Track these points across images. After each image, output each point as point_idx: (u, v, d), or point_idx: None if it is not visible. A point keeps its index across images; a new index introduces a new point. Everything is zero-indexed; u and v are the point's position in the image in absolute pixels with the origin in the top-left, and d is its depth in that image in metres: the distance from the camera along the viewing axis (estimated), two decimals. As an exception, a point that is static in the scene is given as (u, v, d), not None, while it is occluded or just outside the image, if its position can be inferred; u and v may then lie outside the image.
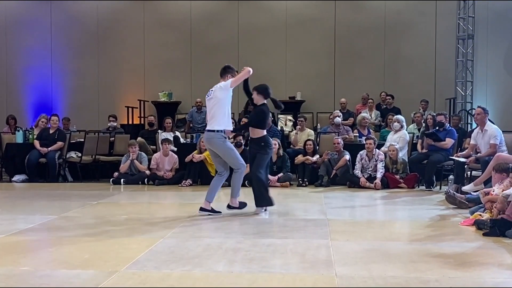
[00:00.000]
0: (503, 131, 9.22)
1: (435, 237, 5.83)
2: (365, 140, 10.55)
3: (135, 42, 15.87)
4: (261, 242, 5.49)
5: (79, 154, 11.57)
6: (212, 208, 7.06)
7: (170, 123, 12.43)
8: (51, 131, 11.70)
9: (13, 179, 11.35)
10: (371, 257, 4.88)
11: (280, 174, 10.39)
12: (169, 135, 11.84)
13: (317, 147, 11.20)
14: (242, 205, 7.24)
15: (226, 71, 7.08)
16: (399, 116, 11.28)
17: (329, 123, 12.52)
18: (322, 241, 5.50)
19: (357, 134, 11.59)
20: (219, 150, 6.98)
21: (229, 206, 7.19)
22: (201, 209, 7.06)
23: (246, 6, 15.60)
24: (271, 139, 7.42)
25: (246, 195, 7.60)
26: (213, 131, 6.93)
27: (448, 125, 10.44)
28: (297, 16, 15.45)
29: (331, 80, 15.40)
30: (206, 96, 7.10)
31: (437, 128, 10.22)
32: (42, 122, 12.14)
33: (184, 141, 12.04)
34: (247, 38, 15.55)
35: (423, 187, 10.01)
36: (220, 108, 6.90)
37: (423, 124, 11.84)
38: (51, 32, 16.03)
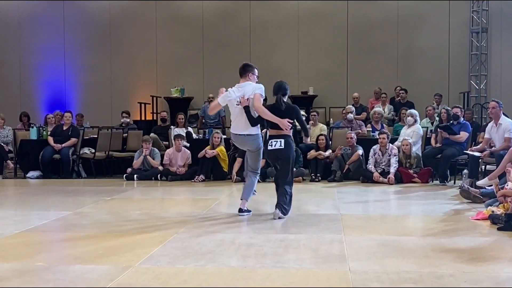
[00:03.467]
0: (517, 125, 9.14)
1: (449, 231, 5.79)
2: (379, 134, 10.51)
3: (147, 38, 15.90)
4: (274, 237, 5.49)
5: (93, 150, 11.63)
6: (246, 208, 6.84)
7: (182, 118, 12.45)
8: (64, 128, 11.77)
9: (27, 175, 11.43)
10: (385, 252, 4.86)
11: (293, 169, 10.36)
12: (182, 131, 11.87)
13: (330, 142, 11.16)
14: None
15: (246, 70, 6.73)
16: (413, 111, 11.21)
17: (342, 118, 12.48)
18: (335, 236, 5.49)
19: (370, 129, 11.55)
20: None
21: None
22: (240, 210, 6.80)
23: (257, 1, 15.56)
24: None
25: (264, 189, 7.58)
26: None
27: (462, 118, 10.38)
28: (309, 11, 15.39)
29: (343, 75, 15.34)
30: (237, 104, 6.64)
31: (451, 121, 10.16)
32: (50, 119, 12.33)
33: (197, 137, 12.08)
34: (259, 33, 15.51)
35: (437, 182, 9.96)
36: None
37: (437, 119, 11.76)
38: (64, 29, 16.11)
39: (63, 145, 11.43)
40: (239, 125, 6.68)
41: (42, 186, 10.25)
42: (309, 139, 8.14)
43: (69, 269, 4.39)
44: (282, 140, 6.52)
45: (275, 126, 6.56)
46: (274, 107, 6.58)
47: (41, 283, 4.05)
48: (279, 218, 6.42)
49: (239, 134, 6.69)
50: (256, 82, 6.75)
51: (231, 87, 6.74)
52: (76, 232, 5.85)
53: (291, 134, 6.75)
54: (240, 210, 6.78)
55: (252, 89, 6.55)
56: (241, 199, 6.84)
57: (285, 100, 6.65)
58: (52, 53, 16.08)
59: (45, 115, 13.69)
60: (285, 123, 6.49)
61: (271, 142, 6.57)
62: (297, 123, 6.99)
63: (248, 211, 6.81)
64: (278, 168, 6.76)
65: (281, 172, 6.65)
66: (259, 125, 6.74)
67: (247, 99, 6.53)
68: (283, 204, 6.53)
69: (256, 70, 6.81)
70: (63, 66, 16.13)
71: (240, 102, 6.59)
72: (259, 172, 6.95)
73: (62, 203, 8.02)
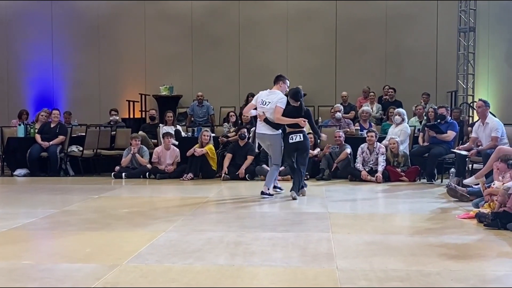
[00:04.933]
0: (504, 124, 9.19)
1: (436, 230, 5.83)
2: (366, 133, 10.54)
3: (136, 36, 15.85)
4: (262, 235, 5.50)
5: (81, 148, 11.58)
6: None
7: (171, 117, 12.40)
8: (52, 125, 11.70)
9: (14, 173, 11.36)
10: (372, 250, 4.88)
11: (282, 168, 10.34)
12: (171, 129, 11.84)
13: (318, 140, 11.17)
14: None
15: (278, 79, 8.09)
16: (400, 110, 11.26)
17: (331, 117, 12.51)
18: (323, 235, 5.51)
19: (359, 128, 11.58)
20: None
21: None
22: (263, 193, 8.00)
23: (247, 0, 15.53)
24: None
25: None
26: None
27: (450, 118, 10.43)
28: (298, 10, 15.40)
29: (332, 73, 15.37)
30: (261, 104, 7.96)
31: (438, 121, 10.21)
32: (42, 116, 12.19)
33: (186, 135, 12.05)
34: (248, 32, 15.51)
35: (424, 180, 10.01)
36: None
37: (425, 117, 11.82)
38: (52, 26, 16.02)
39: (51, 143, 11.37)
40: (266, 127, 7.94)
41: (30, 184, 10.19)
42: (324, 135, 8.82)
43: (56, 268, 4.37)
44: (301, 134, 7.93)
45: (292, 125, 7.91)
46: (296, 109, 7.96)
47: (28, 281, 4.03)
48: (294, 198, 7.83)
49: (266, 134, 7.98)
50: (279, 88, 8.04)
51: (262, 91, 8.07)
52: (63, 231, 5.83)
53: (305, 130, 8.10)
54: (262, 193, 7.96)
55: (276, 100, 7.86)
56: (265, 185, 8.05)
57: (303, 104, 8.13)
58: (40, 51, 15.99)
59: (37, 111, 13.54)
60: (301, 121, 7.86)
61: (291, 136, 7.91)
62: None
63: (270, 195, 8.01)
64: (292, 159, 8.03)
65: (301, 159, 8.06)
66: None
67: (263, 113, 7.89)
68: (298, 186, 8.00)
69: (287, 81, 8.18)
70: (51, 63, 16.04)
71: (262, 113, 7.92)
72: (280, 163, 8.19)
73: (49, 201, 7.98)
